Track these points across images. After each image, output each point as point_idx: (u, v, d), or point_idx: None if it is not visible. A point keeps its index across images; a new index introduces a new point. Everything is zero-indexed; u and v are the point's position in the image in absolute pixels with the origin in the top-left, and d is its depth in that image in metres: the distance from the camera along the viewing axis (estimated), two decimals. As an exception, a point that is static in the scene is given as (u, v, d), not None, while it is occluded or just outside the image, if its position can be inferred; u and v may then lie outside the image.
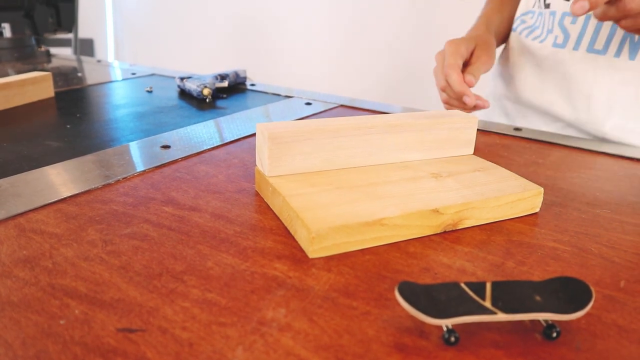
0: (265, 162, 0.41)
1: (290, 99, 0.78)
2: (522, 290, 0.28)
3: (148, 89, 0.80)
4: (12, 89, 0.66)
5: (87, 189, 0.43)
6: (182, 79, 0.78)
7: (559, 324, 0.28)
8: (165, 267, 0.32)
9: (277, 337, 0.26)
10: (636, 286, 0.32)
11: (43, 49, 1.00)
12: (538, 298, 0.27)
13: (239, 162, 0.51)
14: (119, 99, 0.77)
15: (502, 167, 0.46)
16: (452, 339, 0.26)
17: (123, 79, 0.88)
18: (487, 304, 0.27)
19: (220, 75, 0.79)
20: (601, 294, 0.31)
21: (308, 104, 0.74)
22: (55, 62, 1.02)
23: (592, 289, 0.27)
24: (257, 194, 0.43)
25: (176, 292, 0.30)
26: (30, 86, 0.69)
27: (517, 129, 0.65)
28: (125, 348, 0.25)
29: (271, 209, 0.41)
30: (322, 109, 0.72)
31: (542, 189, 0.41)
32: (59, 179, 0.45)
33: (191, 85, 0.75)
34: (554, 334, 0.27)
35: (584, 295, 0.27)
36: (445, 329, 0.26)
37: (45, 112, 0.68)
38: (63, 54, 1.10)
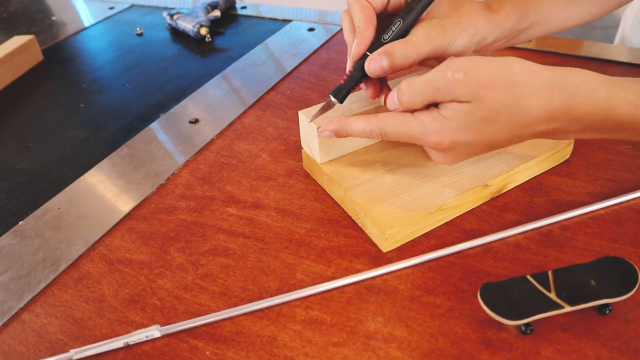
0: (316, 152, 0.43)
1: (289, 24, 0.75)
2: (578, 275, 0.33)
3: (138, 31, 0.75)
4: (4, 64, 0.62)
5: (144, 197, 0.45)
6: (171, 15, 0.73)
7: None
8: (261, 286, 0.36)
9: (386, 350, 0.32)
10: (666, 241, 0.37)
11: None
12: (593, 282, 0.32)
13: (274, 131, 0.52)
14: (113, 51, 0.72)
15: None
16: (528, 331, 0.32)
17: (104, 19, 0.81)
18: (553, 296, 0.32)
19: (209, 5, 0.74)
20: (637, 255, 0.36)
21: (311, 29, 0.71)
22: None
23: (638, 270, 0.32)
24: (308, 175, 0.46)
25: (283, 315, 0.34)
26: (19, 56, 0.64)
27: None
28: (269, 386, 0.30)
29: (327, 193, 0.43)
30: (328, 37, 0.70)
31: (572, 140, 0.44)
32: (112, 189, 0.46)
33: (186, 25, 0.70)
34: (607, 311, 0.33)
35: (631, 275, 0.33)
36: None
37: (44, 86, 0.64)
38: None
